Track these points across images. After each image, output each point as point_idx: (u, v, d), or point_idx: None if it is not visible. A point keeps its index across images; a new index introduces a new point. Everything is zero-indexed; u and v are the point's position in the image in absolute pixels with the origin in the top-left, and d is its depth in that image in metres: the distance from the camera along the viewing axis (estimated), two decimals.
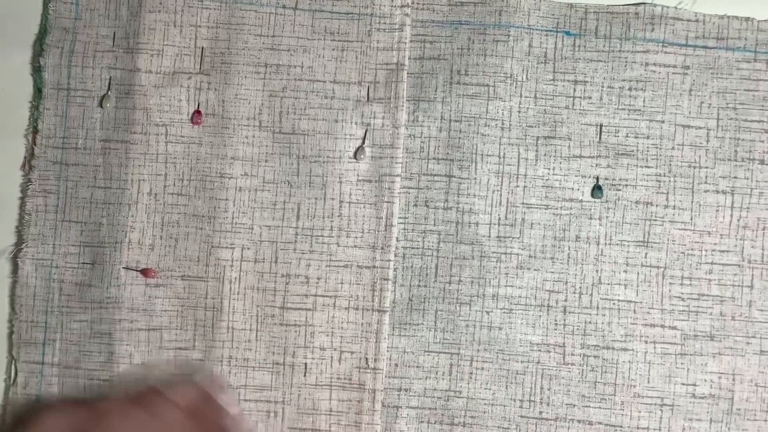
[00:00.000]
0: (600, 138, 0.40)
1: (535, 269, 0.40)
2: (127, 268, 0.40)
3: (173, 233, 0.41)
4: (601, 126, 0.40)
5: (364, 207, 0.41)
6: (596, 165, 0.40)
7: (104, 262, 0.40)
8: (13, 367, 0.40)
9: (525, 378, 0.40)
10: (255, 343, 0.40)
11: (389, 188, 0.41)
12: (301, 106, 0.41)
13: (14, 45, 0.42)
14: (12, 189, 0.41)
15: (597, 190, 0.40)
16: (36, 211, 0.41)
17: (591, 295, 0.40)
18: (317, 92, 0.41)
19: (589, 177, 0.40)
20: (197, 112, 0.41)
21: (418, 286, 0.40)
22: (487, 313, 0.40)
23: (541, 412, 0.40)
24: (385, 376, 0.40)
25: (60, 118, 0.41)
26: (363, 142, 0.41)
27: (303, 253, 0.40)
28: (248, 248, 0.40)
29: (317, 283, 0.40)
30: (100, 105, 0.41)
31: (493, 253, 0.40)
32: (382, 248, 0.40)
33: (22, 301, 0.40)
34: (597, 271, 0.40)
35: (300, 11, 0.41)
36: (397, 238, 0.41)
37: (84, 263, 0.40)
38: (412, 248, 0.40)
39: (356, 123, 0.41)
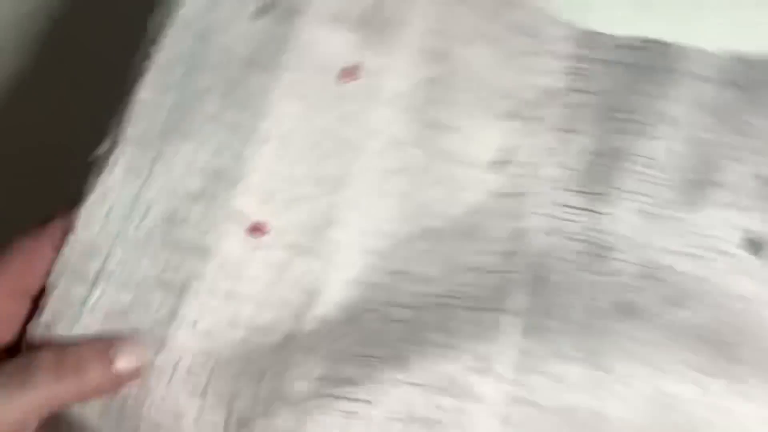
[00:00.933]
0: (761, 191, 0.37)
1: None
2: (233, 215, 0.34)
3: (294, 192, 0.35)
4: (763, 177, 0.38)
5: (499, 218, 0.37)
6: (751, 218, 0.37)
7: (211, 198, 0.34)
8: (44, 301, 0.32)
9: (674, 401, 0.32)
10: (349, 335, 0.33)
11: (526, 208, 0.37)
12: (453, 100, 0.39)
13: None
14: None
15: (750, 244, 0.37)
16: (145, 107, 0.35)
17: None
18: (473, 91, 0.39)
19: (742, 229, 0.37)
20: (350, 71, 0.38)
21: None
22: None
23: None
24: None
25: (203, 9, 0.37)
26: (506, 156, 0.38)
27: (423, 251, 0.36)
28: (367, 235, 0.36)
29: (436, 280, 0.35)
30: (257, 15, 0.37)
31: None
32: (512, 254, 0.36)
33: (90, 216, 0.33)
34: None
35: None
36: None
37: (185, 192, 0.34)
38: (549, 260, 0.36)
39: (503, 133, 0.39)
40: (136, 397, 0.31)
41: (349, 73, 0.38)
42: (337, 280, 0.34)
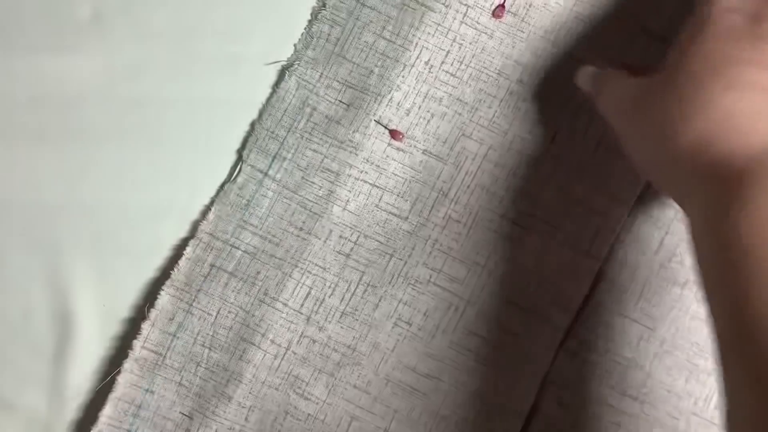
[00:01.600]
0: None
1: None
2: (378, 122, 0.41)
3: (432, 108, 0.41)
4: None
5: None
6: None
7: (360, 107, 0.41)
8: (238, 167, 0.42)
9: (709, 379, 0.40)
10: (464, 236, 0.41)
11: None
12: (602, 39, 0.41)
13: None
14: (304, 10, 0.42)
15: None
16: (318, 37, 0.42)
17: None
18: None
19: None
20: (502, 6, 0.41)
21: (638, 252, 0.40)
22: (698, 301, 0.40)
23: (712, 417, 0.40)
24: (574, 323, 0.40)
25: None
26: None
27: (544, 174, 0.41)
28: (495, 150, 0.41)
29: (545, 206, 0.41)
30: None
31: None
32: (619, 201, 0.41)
33: (272, 111, 0.42)
34: None
35: None
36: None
37: (341, 101, 0.41)
38: (646, 219, 0.41)
39: None
40: (297, 248, 0.41)
41: (501, 9, 0.41)
42: (463, 185, 0.41)
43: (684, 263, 0.40)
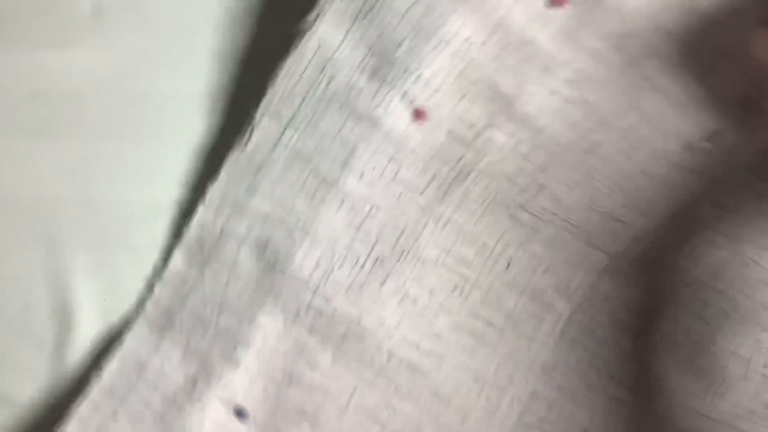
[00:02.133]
0: None
1: None
2: (402, 98, 0.39)
3: (464, 89, 0.39)
4: None
5: (670, 189, 0.39)
6: None
7: (384, 80, 0.39)
8: (249, 133, 0.40)
9: (704, 376, 0.41)
10: (475, 218, 0.41)
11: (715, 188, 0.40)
12: (676, 59, 0.38)
13: None
14: None
15: None
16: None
17: None
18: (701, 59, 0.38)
19: None
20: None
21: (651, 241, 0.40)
22: (699, 299, 0.40)
23: (708, 412, 0.41)
24: (575, 311, 0.41)
25: None
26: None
27: (569, 176, 0.40)
28: (525, 143, 0.40)
29: (568, 208, 0.40)
30: None
31: None
32: (648, 218, 0.40)
33: (288, 73, 0.39)
34: None
35: None
36: None
37: (363, 69, 0.39)
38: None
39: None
40: (308, 217, 0.41)
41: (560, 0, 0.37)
42: (486, 170, 0.40)
43: (688, 260, 0.40)
